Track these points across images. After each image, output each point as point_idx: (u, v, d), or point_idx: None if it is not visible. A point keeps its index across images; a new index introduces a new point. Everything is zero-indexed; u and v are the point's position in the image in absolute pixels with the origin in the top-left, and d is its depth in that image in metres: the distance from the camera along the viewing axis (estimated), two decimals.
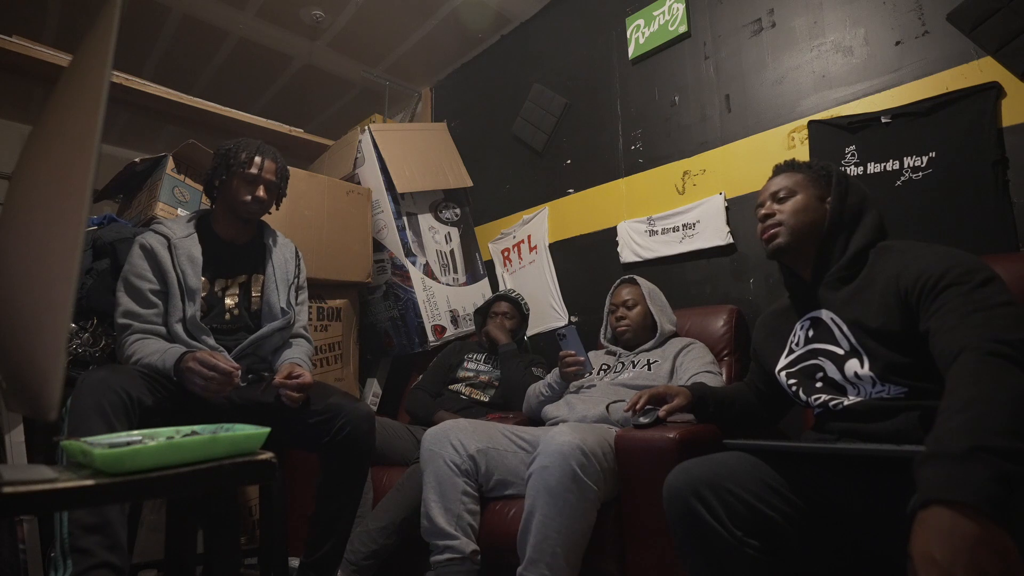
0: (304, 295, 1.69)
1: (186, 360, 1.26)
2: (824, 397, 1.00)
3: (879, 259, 1.01)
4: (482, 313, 2.34)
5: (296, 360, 1.49)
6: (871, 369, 0.94)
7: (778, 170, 1.18)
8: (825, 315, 1.04)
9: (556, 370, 1.76)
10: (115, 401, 1.12)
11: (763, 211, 1.14)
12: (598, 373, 1.74)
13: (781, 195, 1.12)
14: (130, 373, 1.23)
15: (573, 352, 1.63)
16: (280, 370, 1.41)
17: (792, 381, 1.07)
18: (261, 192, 1.51)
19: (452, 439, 1.45)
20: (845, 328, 0.99)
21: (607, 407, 1.53)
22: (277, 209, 1.63)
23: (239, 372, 1.28)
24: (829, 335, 1.02)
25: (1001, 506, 0.56)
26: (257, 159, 1.50)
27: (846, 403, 0.96)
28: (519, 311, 2.28)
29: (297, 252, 1.69)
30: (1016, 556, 0.55)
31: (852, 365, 0.97)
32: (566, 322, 2.39)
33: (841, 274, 1.03)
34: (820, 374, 1.02)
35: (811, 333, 1.06)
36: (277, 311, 1.52)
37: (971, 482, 0.58)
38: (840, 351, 0.99)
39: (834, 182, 1.09)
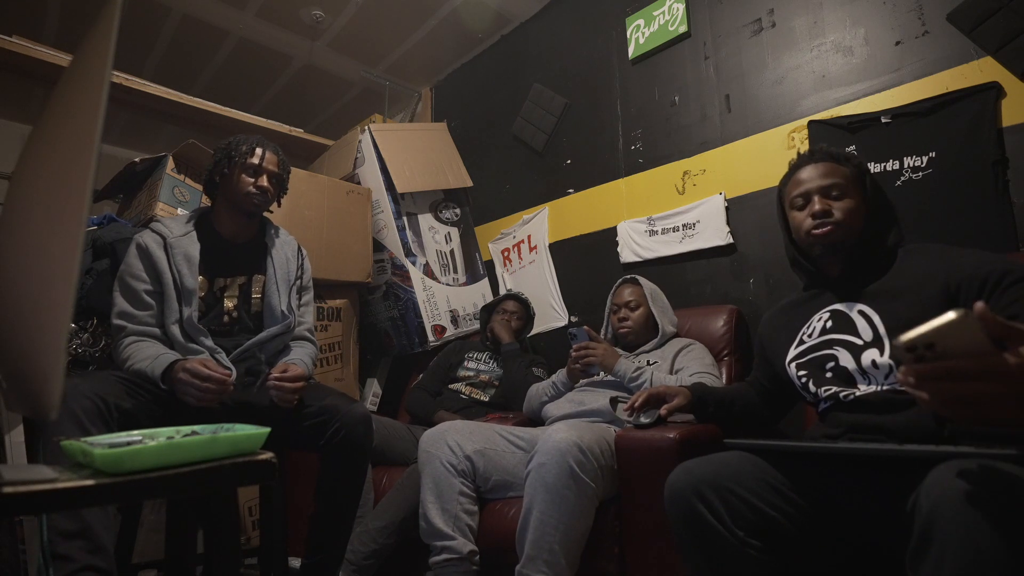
0: (309, 295, 1.66)
1: (176, 371, 1.24)
2: (834, 388, 1.00)
3: (909, 258, 1.04)
4: (488, 310, 2.35)
5: (294, 360, 1.45)
6: (891, 357, 0.94)
7: (820, 157, 1.12)
8: (849, 307, 1.05)
9: (561, 371, 1.76)
10: (88, 407, 1.09)
11: (818, 207, 1.08)
12: (598, 373, 1.74)
13: (835, 193, 1.09)
14: (104, 378, 1.21)
15: (586, 344, 1.63)
16: (276, 367, 1.38)
17: (802, 372, 1.07)
18: (264, 182, 1.49)
19: (449, 440, 1.45)
20: (876, 319, 1.00)
21: (611, 400, 1.53)
22: (279, 206, 1.61)
23: (232, 377, 1.26)
24: (850, 326, 1.03)
25: None
26: (259, 150, 1.50)
27: (857, 394, 0.96)
28: (526, 312, 2.30)
29: (300, 250, 1.64)
30: None
31: (870, 354, 0.97)
32: (572, 321, 2.39)
33: (873, 270, 1.06)
34: (831, 364, 1.02)
35: (829, 324, 1.06)
36: (278, 314, 1.49)
37: None
38: (859, 341, 1.00)
39: (868, 183, 1.10)
